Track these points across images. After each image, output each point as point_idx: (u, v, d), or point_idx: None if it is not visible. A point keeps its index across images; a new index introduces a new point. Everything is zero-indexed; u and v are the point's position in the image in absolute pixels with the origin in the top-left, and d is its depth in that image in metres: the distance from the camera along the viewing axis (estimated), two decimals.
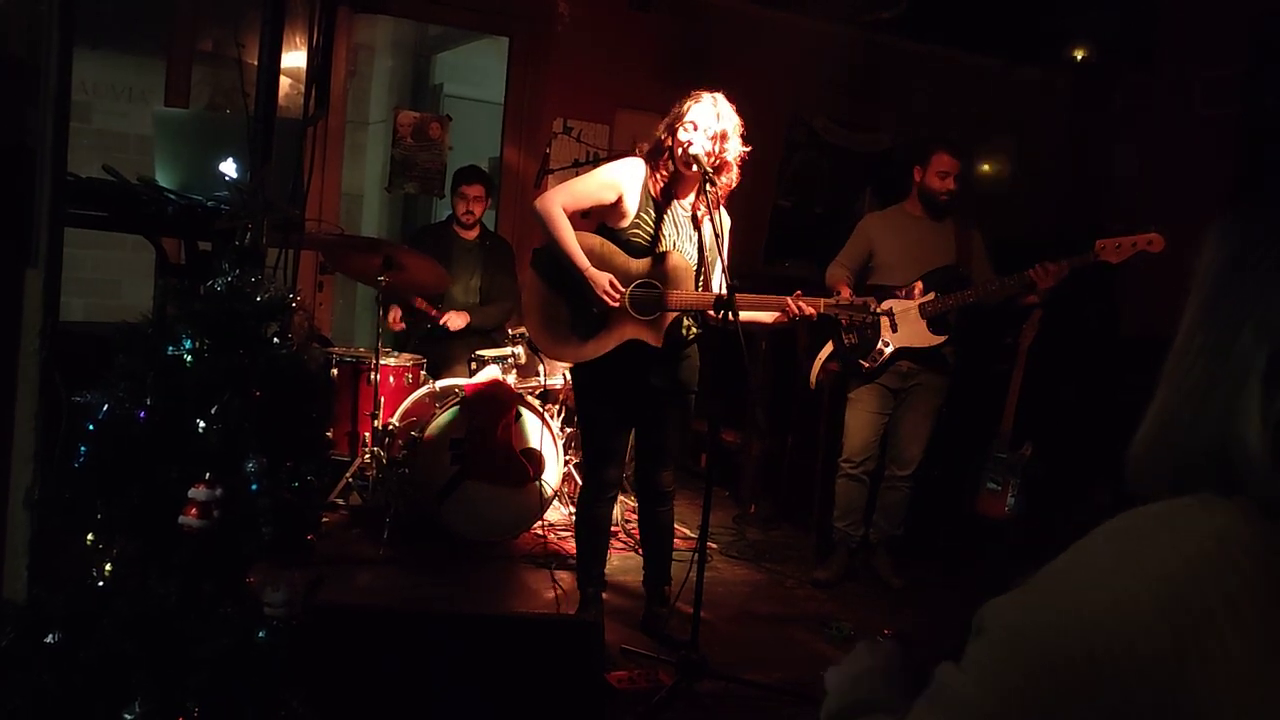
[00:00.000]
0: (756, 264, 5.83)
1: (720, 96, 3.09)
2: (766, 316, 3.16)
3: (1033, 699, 0.65)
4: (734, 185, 3.12)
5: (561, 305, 3.17)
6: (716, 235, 3.05)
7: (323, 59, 2.54)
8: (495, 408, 4.13)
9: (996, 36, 5.95)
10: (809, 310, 3.09)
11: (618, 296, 3.07)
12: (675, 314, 3.15)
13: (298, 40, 4.61)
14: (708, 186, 3.03)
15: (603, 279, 3.06)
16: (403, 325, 4.82)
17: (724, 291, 2.99)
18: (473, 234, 4.91)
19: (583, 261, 3.07)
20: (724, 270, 3.02)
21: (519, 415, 4.20)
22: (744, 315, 3.10)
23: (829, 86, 6.18)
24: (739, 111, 3.13)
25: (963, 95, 6.02)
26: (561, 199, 3.09)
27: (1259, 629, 0.62)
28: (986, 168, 6.43)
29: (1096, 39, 5.85)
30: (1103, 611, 0.64)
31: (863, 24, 6.01)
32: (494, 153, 6.13)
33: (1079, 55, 5.92)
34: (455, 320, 4.76)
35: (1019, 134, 6.25)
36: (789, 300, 3.08)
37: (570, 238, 3.07)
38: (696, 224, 3.19)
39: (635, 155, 3.21)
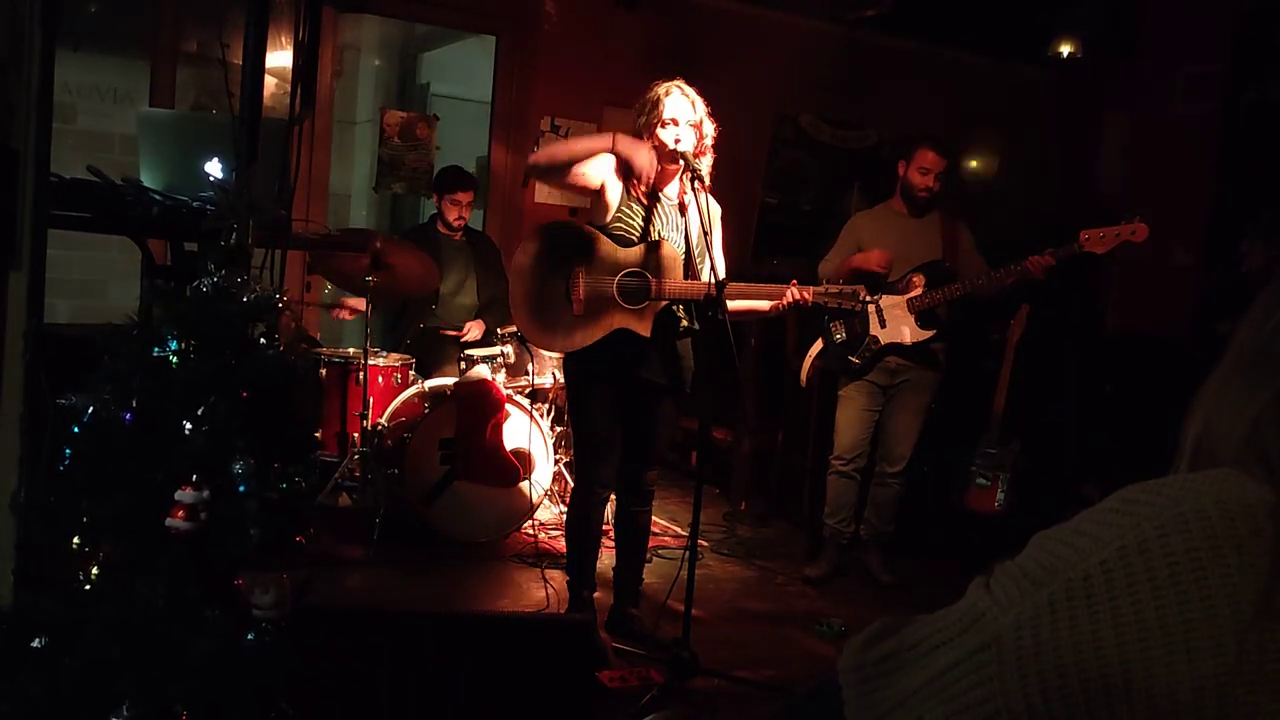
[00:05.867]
0: (745, 261, 5.84)
1: (682, 83, 3.11)
2: (763, 305, 3.18)
3: (1050, 623, 0.69)
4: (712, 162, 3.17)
5: (550, 294, 3.14)
6: (704, 224, 3.06)
7: (308, 58, 2.53)
8: (484, 407, 4.13)
9: (982, 33, 5.97)
10: (805, 297, 3.11)
11: (653, 172, 3.04)
12: (664, 304, 3.15)
13: (283, 40, 4.60)
14: (695, 182, 3.04)
15: (642, 148, 3.01)
16: (351, 316, 4.87)
17: (713, 287, 2.97)
18: (459, 234, 4.91)
19: (605, 141, 3.05)
20: (713, 266, 3.00)
21: (508, 415, 4.19)
22: (741, 304, 3.14)
23: (815, 84, 6.19)
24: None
25: (948, 92, 6.03)
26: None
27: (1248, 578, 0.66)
28: (973, 164, 6.45)
29: (1081, 35, 5.88)
30: (1162, 520, 0.69)
31: (849, 21, 6.03)
32: (481, 152, 6.12)
33: (1064, 51, 5.94)
34: (475, 331, 4.77)
35: (1004, 130, 6.28)
36: (788, 288, 3.10)
37: (579, 142, 3.08)
38: (682, 212, 3.20)
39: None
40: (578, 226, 3.18)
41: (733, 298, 3.05)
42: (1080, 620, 0.68)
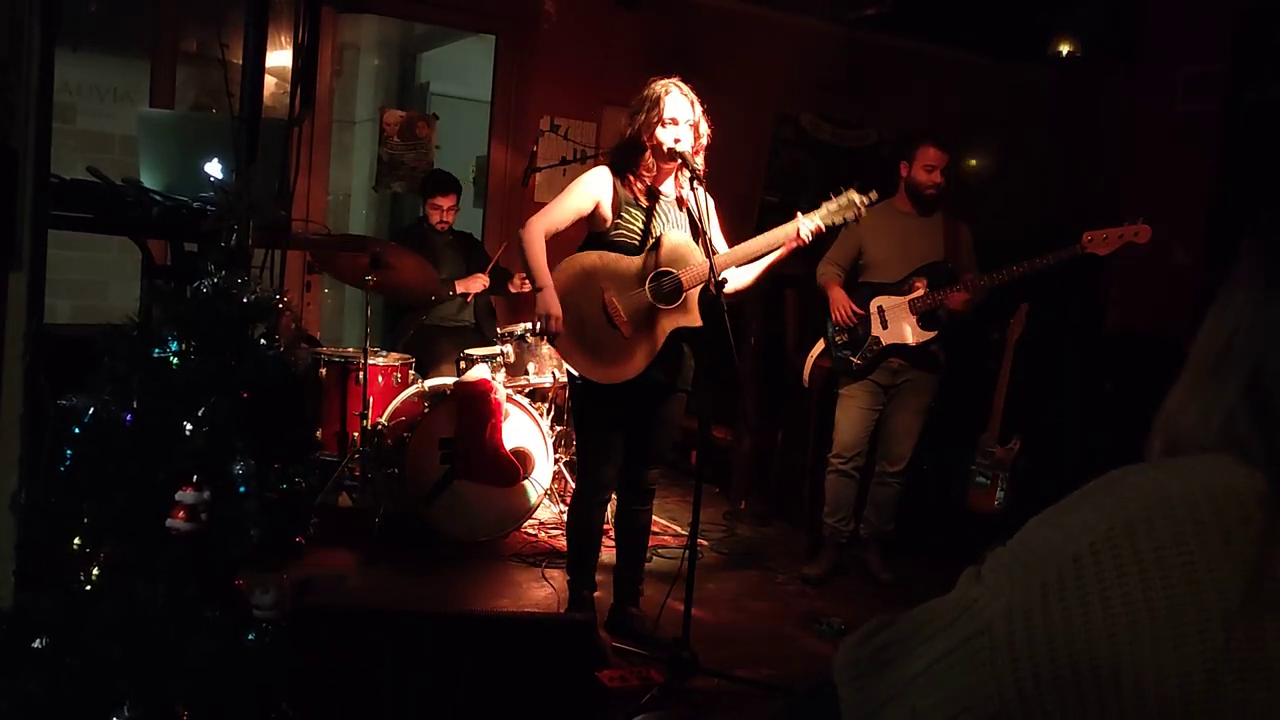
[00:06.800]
0: None
1: (680, 82, 3.12)
2: (775, 255, 3.18)
3: (1042, 611, 0.69)
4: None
5: (594, 328, 3.11)
6: (703, 222, 3.09)
7: (308, 58, 2.53)
8: (484, 407, 4.13)
9: (982, 33, 5.97)
10: (819, 227, 3.13)
11: (559, 327, 3.03)
12: (699, 289, 3.16)
13: (283, 40, 4.60)
14: (692, 181, 3.07)
15: (552, 303, 3.02)
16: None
17: (714, 285, 2.98)
18: (447, 235, 5.02)
19: (544, 280, 3.06)
20: (712, 263, 3.02)
21: (508, 414, 4.19)
22: (755, 272, 3.23)
23: (816, 83, 6.19)
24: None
25: (949, 91, 6.04)
26: (543, 223, 3.12)
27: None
28: (973, 164, 6.45)
29: (1080, 35, 5.88)
30: (1151, 502, 0.69)
31: (849, 21, 6.03)
32: (481, 151, 6.12)
33: (1063, 51, 5.94)
34: (475, 284, 4.86)
35: (1005, 130, 6.28)
36: (795, 224, 3.11)
37: (538, 259, 3.07)
38: (681, 206, 3.23)
39: (600, 163, 3.27)
40: (587, 257, 3.15)
41: (741, 263, 3.15)
42: (1071, 605, 0.68)
